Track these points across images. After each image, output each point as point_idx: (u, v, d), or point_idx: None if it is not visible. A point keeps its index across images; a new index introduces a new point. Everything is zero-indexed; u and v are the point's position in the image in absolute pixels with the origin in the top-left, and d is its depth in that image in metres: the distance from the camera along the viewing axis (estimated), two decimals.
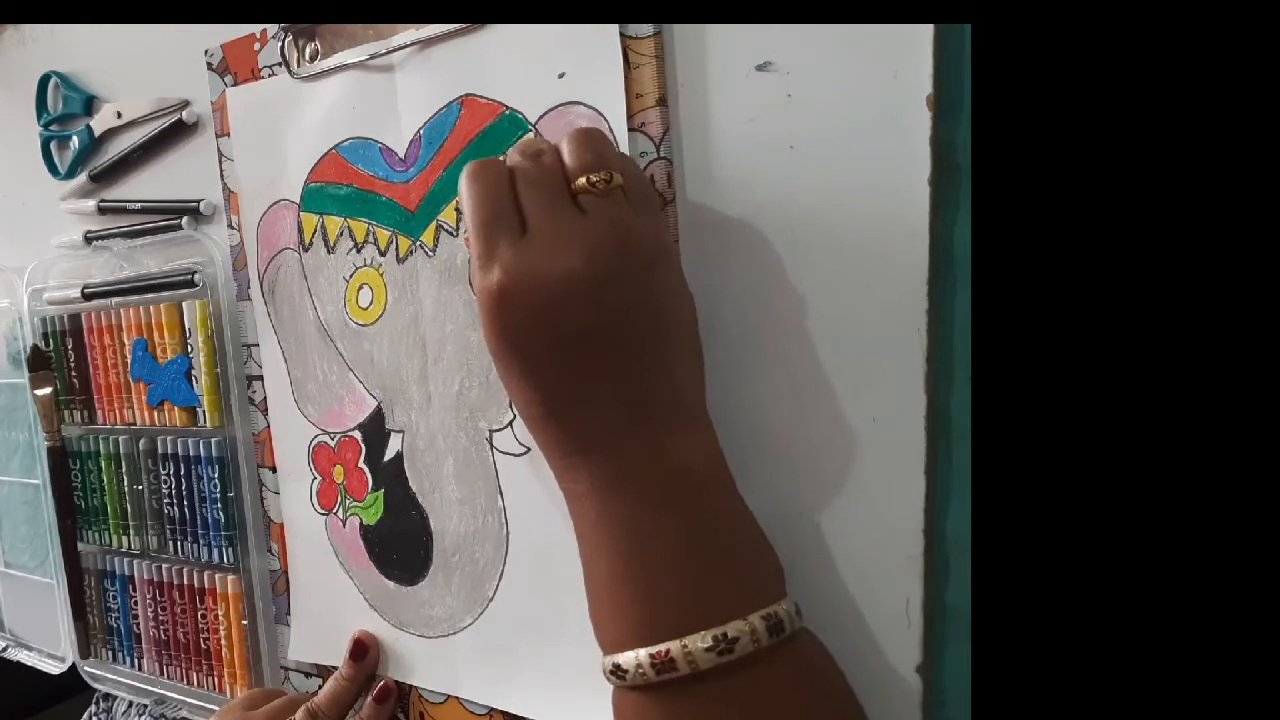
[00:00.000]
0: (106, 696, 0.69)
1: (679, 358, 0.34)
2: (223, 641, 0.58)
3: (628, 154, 0.38)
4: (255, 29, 0.50)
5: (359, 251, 0.49)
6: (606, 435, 0.33)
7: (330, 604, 0.53)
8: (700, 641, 0.30)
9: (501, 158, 0.35)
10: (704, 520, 0.33)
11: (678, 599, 0.32)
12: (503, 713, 0.47)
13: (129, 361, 0.60)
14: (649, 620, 0.32)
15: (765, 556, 0.34)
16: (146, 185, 0.60)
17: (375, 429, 0.50)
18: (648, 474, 0.33)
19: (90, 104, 0.62)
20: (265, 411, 0.55)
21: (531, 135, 0.41)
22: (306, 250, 0.51)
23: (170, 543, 0.60)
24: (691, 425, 0.34)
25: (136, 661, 0.64)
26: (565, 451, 0.34)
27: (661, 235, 0.35)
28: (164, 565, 0.61)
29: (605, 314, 0.32)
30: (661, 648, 0.31)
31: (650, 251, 0.33)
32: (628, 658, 0.32)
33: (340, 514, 0.52)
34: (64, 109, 0.63)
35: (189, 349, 0.56)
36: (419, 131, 0.45)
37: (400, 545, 0.50)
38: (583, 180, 0.33)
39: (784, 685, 0.31)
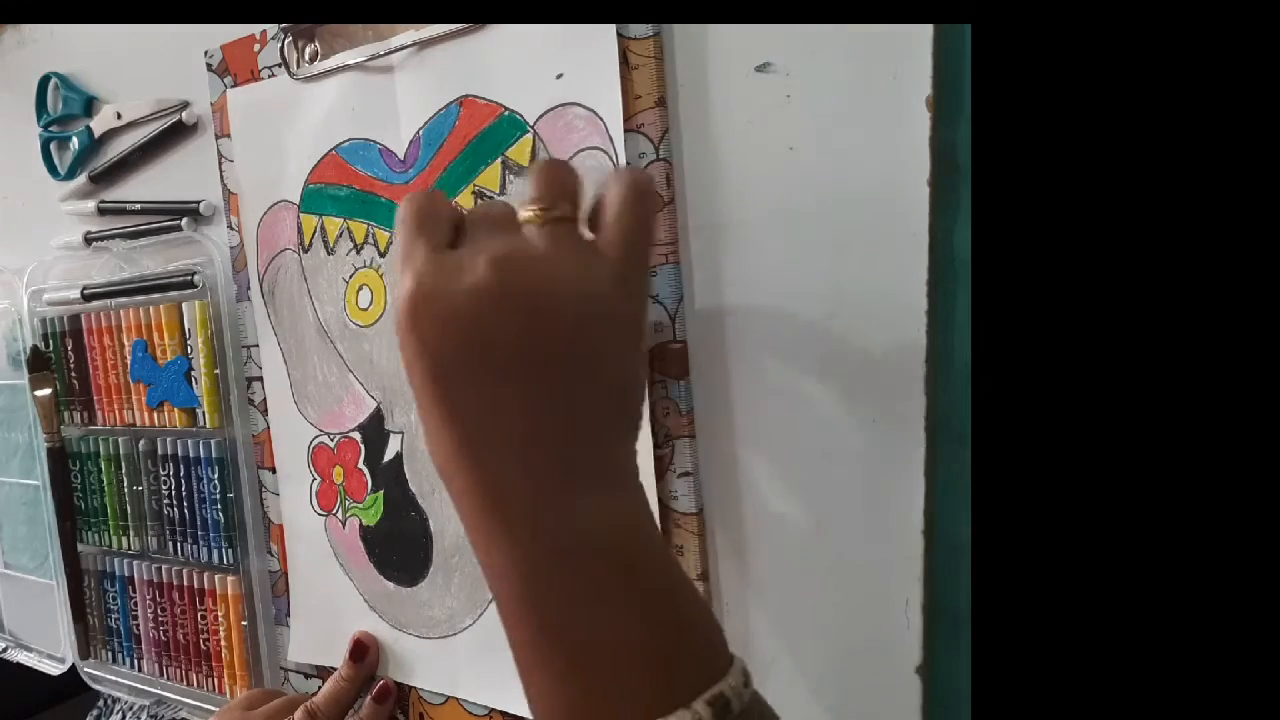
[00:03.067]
0: (112, 697, 0.69)
1: (607, 415, 0.30)
2: (222, 643, 0.58)
3: (624, 165, 0.38)
4: (255, 30, 0.50)
5: (359, 252, 0.49)
6: (527, 495, 0.29)
7: (330, 605, 0.53)
8: None
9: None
10: (641, 608, 0.29)
11: (617, 698, 0.29)
12: (502, 713, 0.47)
13: (129, 362, 0.59)
14: None
15: (706, 629, 0.31)
16: (146, 186, 0.60)
17: (375, 430, 0.50)
18: (574, 556, 0.29)
19: (90, 105, 0.62)
20: (265, 412, 0.55)
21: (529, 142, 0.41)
22: (306, 251, 0.51)
23: (170, 544, 0.60)
24: (620, 490, 0.31)
25: (136, 663, 0.64)
26: (482, 508, 0.30)
27: (601, 287, 0.30)
28: (164, 566, 0.61)
29: (511, 343, 0.29)
30: None
31: (577, 302, 0.29)
32: None
33: (340, 515, 0.52)
34: (64, 110, 0.63)
35: (189, 350, 0.56)
36: (418, 132, 0.45)
37: (400, 546, 0.50)
38: (525, 212, 0.31)
39: None
